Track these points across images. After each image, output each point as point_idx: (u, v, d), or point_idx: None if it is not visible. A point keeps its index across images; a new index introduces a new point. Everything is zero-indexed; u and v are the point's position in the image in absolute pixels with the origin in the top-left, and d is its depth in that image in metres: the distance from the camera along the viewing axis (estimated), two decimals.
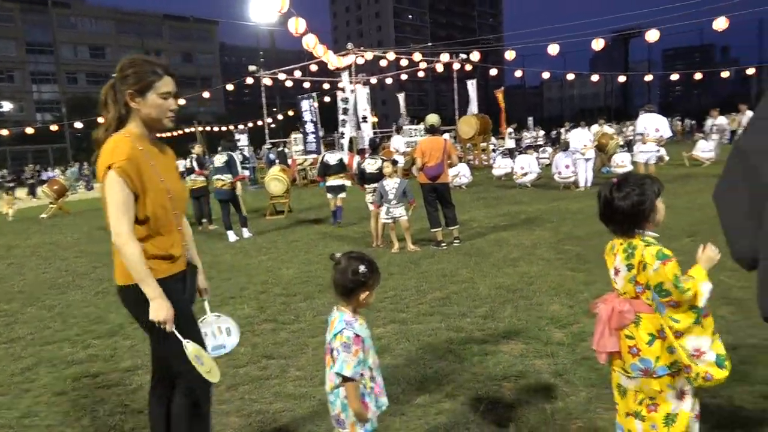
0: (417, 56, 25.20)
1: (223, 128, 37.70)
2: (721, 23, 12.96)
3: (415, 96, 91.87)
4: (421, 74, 31.12)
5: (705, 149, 16.49)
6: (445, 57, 25.33)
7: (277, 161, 19.99)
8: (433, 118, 7.70)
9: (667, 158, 15.35)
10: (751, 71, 30.57)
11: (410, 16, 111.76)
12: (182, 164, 11.39)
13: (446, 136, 8.94)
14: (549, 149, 20.93)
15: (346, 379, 1.99)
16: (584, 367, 3.36)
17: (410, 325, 4.40)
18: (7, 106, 60.30)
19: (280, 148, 23.73)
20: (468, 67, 26.02)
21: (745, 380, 2.96)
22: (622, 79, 39.23)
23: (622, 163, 13.43)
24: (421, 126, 16.16)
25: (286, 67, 27.04)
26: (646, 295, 2.01)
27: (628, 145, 17.60)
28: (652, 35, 16.07)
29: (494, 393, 3.15)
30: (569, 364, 3.44)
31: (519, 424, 2.80)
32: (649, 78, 33.81)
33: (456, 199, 8.29)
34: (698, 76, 30.13)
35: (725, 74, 32.47)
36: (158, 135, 2.44)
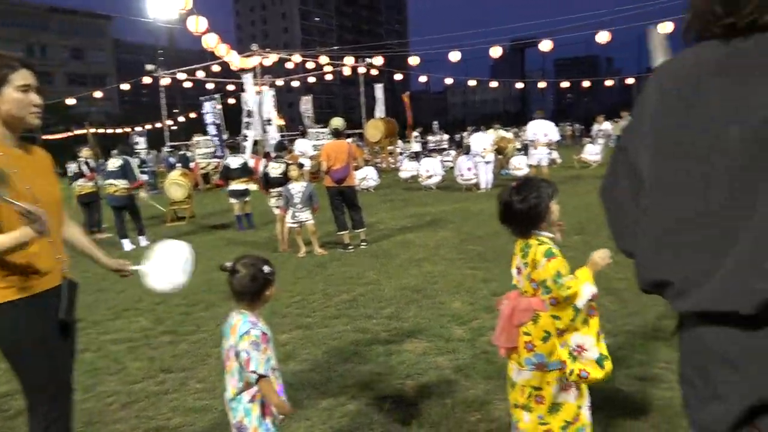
0: (323, 59, 25.17)
1: (119, 130, 35.55)
2: (603, 37, 14.12)
3: (324, 99, 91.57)
4: (329, 77, 31.12)
5: (592, 152, 17.81)
6: (351, 61, 25.49)
7: (178, 165, 19.15)
8: (337, 122, 7.73)
9: (559, 161, 16.40)
10: (631, 81, 33.44)
11: (317, 19, 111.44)
12: (72, 168, 10.64)
13: (350, 139, 9.00)
14: (453, 152, 21.65)
15: (260, 379, 1.97)
16: (483, 360, 3.51)
17: (316, 330, 4.38)
18: None
19: (181, 152, 22.76)
20: (375, 72, 26.37)
21: (622, 364, 3.23)
22: (519, 85, 41.46)
23: (519, 165, 14.18)
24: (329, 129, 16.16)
25: (187, 67, 25.99)
26: (540, 291, 2.13)
27: (525, 149, 18.64)
28: (545, 45, 17.16)
29: (398, 392, 3.21)
30: (469, 358, 3.58)
31: (421, 420, 2.88)
32: (543, 85, 35.93)
33: (363, 201, 8.38)
34: (586, 84, 32.54)
35: (609, 83, 35.22)
36: (45, 137, 2.20)
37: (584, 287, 2.06)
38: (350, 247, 7.41)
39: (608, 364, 2.12)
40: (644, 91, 1.21)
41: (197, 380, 3.60)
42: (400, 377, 3.39)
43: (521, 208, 2.13)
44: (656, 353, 3.40)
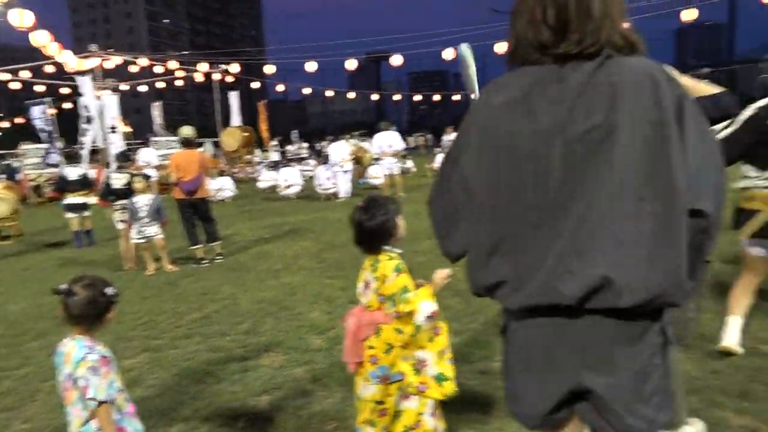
0: (174, 64, 23.84)
1: None
2: (449, 53, 15.10)
3: (175, 105, 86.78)
4: (180, 83, 29.52)
5: None
6: (205, 66, 24.45)
7: (1, 177, 16.92)
8: (187, 131, 7.36)
9: (414, 169, 17.20)
10: (473, 96, 36.10)
11: (166, 21, 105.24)
12: None
13: (202, 148, 8.64)
14: (312, 162, 21.68)
15: (99, 405, 1.83)
16: (339, 368, 3.54)
17: (165, 352, 4.12)
18: None
19: (6, 162, 20.14)
20: (230, 78, 25.55)
21: (466, 360, 3.47)
22: (375, 97, 42.78)
23: (376, 174, 14.59)
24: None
25: (11, 67, 23.09)
26: (386, 305, 2.20)
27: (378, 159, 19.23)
28: (396, 60, 17.92)
29: (253, 409, 3.14)
30: (326, 368, 3.60)
31: None
32: (397, 97, 37.47)
33: (219, 213, 8.07)
34: (437, 97, 34.54)
35: (456, 97, 37.67)
36: None
37: (422, 304, 2.14)
38: (204, 262, 7.09)
39: (448, 385, 2.21)
40: (474, 107, 1.31)
41: (23, 420, 3.21)
42: (256, 393, 3.32)
43: (371, 226, 2.20)
44: (497, 348, 3.69)
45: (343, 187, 13.51)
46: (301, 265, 6.65)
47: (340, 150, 13.88)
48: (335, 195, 13.55)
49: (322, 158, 15.31)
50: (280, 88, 31.92)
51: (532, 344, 1.27)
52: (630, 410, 1.19)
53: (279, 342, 4.13)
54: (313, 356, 3.81)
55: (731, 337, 3.25)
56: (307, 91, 32.30)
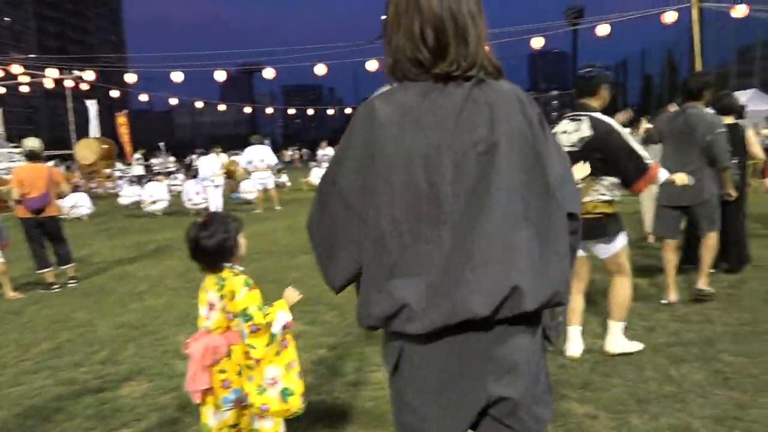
0: (17, 68, 21.48)
1: None
2: (321, 69, 15.23)
3: (21, 113, 78.22)
4: (25, 89, 26.61)
5: (319, 176, 18.95)
6: (54, 72, 22.29)
7: None
8: (32, 143, 6.66)
9: (289, 184, 17.05)
10: (349, 110, 36.85)
11: (8, 19, 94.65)
12: None
13: (51, 162, 7.88)
14: (180, 176, 20.63)
15: None
16: None
17: (6, 390, 3.68)
18: None
19: None
20: (85, 86, 23.54)
21: (338, 374, 3.51)
22: (248, 109, 41.83)
23: (249, 189, 14.24)
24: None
25: None
26: (235, 322, 2.13)
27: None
28: (268, 73, 17.71)
29: None
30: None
31: None
32: (270, 110, 36.94)
33: (74, 232, 7.39)
34: (311, 111, 34.63)
35: (331, 111, 38.06)
36: None
37: (278, 314, 2.12)
38: (55, 287, 6.43)
39: (294, 401, 2.14)
40: (354, 125, 1.25)
41: None
42: (115, 428, 3.07)
43: (209, 243, 2.14)
44: (370, 358, 3.76)
45: (214, 202, 12.99)
46: (167, 286, 6.29)
47: (211, 163, 13.36)
48: (205, 210, 12.99)
49: (192, 172, 14.62)
50: (144, 97, 30.03)
51: (434, 365, 1.20)
52: (529, 412, 1.23)
53: (141, 369, 3.87)
54: (180, 382, 3.60)
55: (574, 347, 3.58)
56: (173, 101, 30.68)
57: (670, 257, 4.64)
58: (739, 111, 5.64)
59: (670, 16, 13.54)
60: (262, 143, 13.21)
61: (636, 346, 3.61)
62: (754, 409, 2.82)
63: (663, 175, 3.46)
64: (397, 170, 1.18)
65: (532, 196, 1.19)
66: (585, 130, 3.37)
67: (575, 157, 3.31)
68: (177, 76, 17.85)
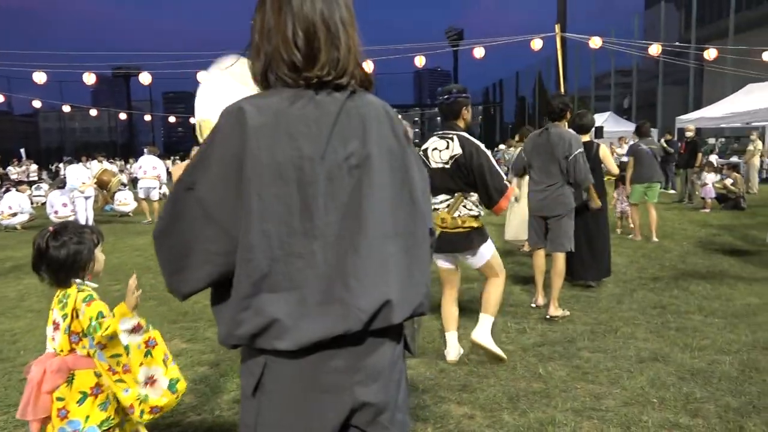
0: None
1: None
2: (204, 76, 14.71)
3: None
4: None
5: None
6: None
7: None
8: None
9: (168, 193, 16.18)
10: None
11: None
12: None
13: None
14: (45, 186, 18.84)
15: None
16: None
17: None
18: None
19: None
20: None
21: (223, 391, 3.40)
22: (123, 116, 39.31)
23: (125, 200, 13.37)
24: None
25: None
26: (82, 344, 1.96)
27: (135, 182, 17.70)
28: (145, 78, 16.77)
29: None
30: None
31: None
32: (148, 118, 34.97)
33: None
34: (193, 120, 33.11)
35: None
36: None
37: (120, 323, 1.95)
38: None
39: (180, 385, 2.06)
40: (220, 129, 1.17)
41: None
42: None
43: (58, 255, 1.97)
44: None
45: (83, 215, 11.99)
46: (27, 307, 5.70)
47: (80, 173, 12.36)
48: (83, 221, 11.97)
49: (58, 182, 13.41)
50: None
51: (301, 380, 1.17)
52: (392, 420, 1.24)
53: None
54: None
55: (452, 351, 3.77)
56: (37, 104, 27.98)
57: (539, 263, 4.97)
58: (593, 129, 6.13)
59: (537, 44, 14.80)
60: (156, 155, 12.75)
61: (499, 351, 3.71)
62: (608, 399, 3.13)
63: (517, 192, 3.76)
64: (269, 182, 1.13)
65: (401, 211, 1.22)
66: (455, 148, 3.57)
67: (447, 173, 3.52)
68: (39, 77, 16.32)
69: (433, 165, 3.63)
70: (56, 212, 12.02)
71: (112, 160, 26.98)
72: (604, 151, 5.90)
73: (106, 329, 1.91)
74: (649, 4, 52.32)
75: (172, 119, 36.94)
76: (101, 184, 13.72)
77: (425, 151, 3.71)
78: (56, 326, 2.01)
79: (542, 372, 3.55)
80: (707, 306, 4.82)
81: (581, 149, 4.68)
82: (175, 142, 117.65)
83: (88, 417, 1.93)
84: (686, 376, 3.39)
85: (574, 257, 5.14)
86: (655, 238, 8.08)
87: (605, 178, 6.28)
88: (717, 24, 33.98)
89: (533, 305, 5.01)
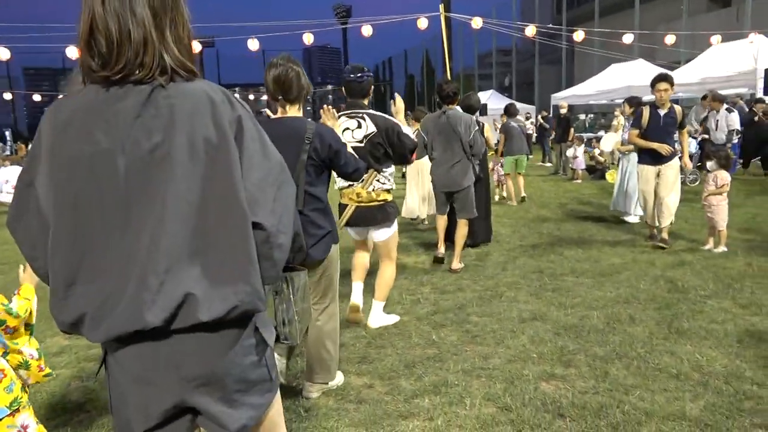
0: None
1: None
2: (72, 52, 13.45)
3: None
4: None
5: None
6: None
7: None
8: None
9: None
10: None
11: None
12: None
13: None
14: None
15: None
16: None
17: None
18: None
19: None
20: None
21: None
22: None
23: None
24: None
25: None
26: None
27: None
28: (3, 53, 15.05)
29: None
30: None
31: None
32: (9, 96, 31.44)
33: None
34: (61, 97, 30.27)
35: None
36: None
37: (34, 303, 2.04)
38: None
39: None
40: (40, 126, 1.22)
41: None
42: None
43: None
44: None
45: None
46: None
47: None
48: None
49: None
50: None
51: (127, 372, 1.22)
52: (237, 407, 1.25)
53: None
54: None
55: (355, 297, 4.17)
56: None
57: (441, 224, 5.78)
58: (480, 108, 6.77)
59: (423, 23, 15.16)
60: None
61: (394, 318, 4.13)
62: (495, 359, 3.40)
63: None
64: (71, 176, 1.16)
65: (212, 205, 1.17)
66: (369, 126, 3.68)
67: (360, 152, 3.56)
68: None
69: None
70: None
71: None
72: (487, 131, 6.73)
73: (25, 311, 1.96)
74: None
75: (36, 98, 33.42)
76: None
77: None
78: None
79: (435, 338, 3.76)
80: (578, 268, 5.34)
81: (477, 127, 5.42)
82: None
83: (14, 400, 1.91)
84: (561, 332, 3.76)
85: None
86: (523, 195, 9.74)
87: (489, 153, 6.88)
88: (584, 7, 36.71)
89: (437, 255, 5.74)
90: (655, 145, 5.81)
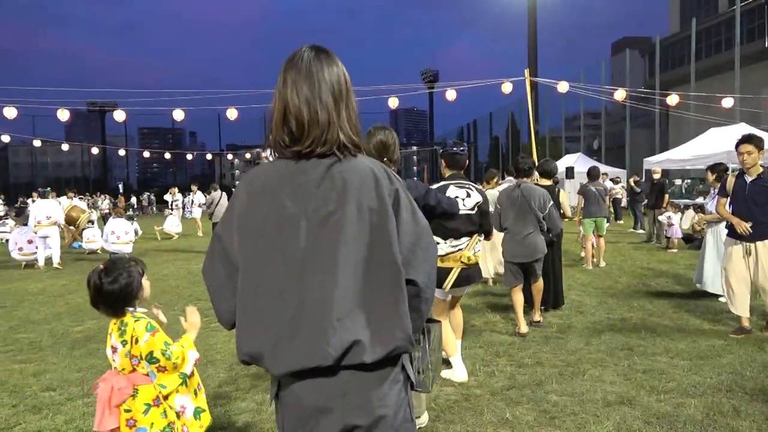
0: None
1: None
2: (179, 114, 14.70)
3: None
4: None
5: (174, 224, 17.98)
6: None
7: None
8: None
9: (140, 232, 15.93)
10: (210, 156, 35.79)
11: None
12: None
13: None
14: (11, 221, 18.39)
15: None
16: None
17: None
18: None
19: None
20: None
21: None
22: (95, 150, 38.96)
23: (93, 237, 13.10)
24: None
25: None
26: (141, 365, 2.23)
27: (105, 218, 17.37)
28: (119, 115, 16.66)
29: None
30: None
31: None
32: (122, 152, 34.59)
33: None
34: (168, 155, 33.07)
35: (190, 156, 36.55)
36: None
37: (189, 353, 2.28)
38: None
39: (205, 417, 2.35)
40: (235, 192, 1.50)
41: None
42: None
43: (112, 289, 2.22)
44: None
45: (41, 255, 11.55)
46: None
47: (48, 208, 12.07)
48: (42, 262, 11.62)
49: (23, 218, 13.09)
50: None
51: (301, 401, 1.40)
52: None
53: None
54: None
55: (459, 373, 4.19)
56: (6, 138, 27.47)
57: (518, 298, 5.58)
58: (556, 173, 6.87)
59: (507, 87, 15.23)
60: (47, 196, 12.43)
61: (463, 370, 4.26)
62: None
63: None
64: (262, 234, 1.39)
65: (376, 265, 1.38)
66: (476, 196, 4.05)
67: (471, 219, 4.01)
68: (10, 112, 16.11)
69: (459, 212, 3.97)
70: (20, 249, 11.71)
71: (81, 197, 26.56)
72: (563, 196, 6.80)
73: (177, 358, 2.21)
74: (616, 51, 54.56)
75: (146, 154, 36.58)
76: (70, 221, 13.44)
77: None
78: (114, 349, 2.26)
79: (509, 416, 3.51)
80: (674, 347, 4.86)
81: (552, 202, 5.58)
82: (150, 178, 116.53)
83: (152, 424, 2.21)
84: (652, 420, 3.39)
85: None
86: (602, 264, 9.71)
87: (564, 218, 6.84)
88: (679, 70, 35.54)
89: (517, 332, 5.46)
90: (734, 220, 5.13)
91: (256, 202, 1.42)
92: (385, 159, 3.02)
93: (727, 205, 5.38)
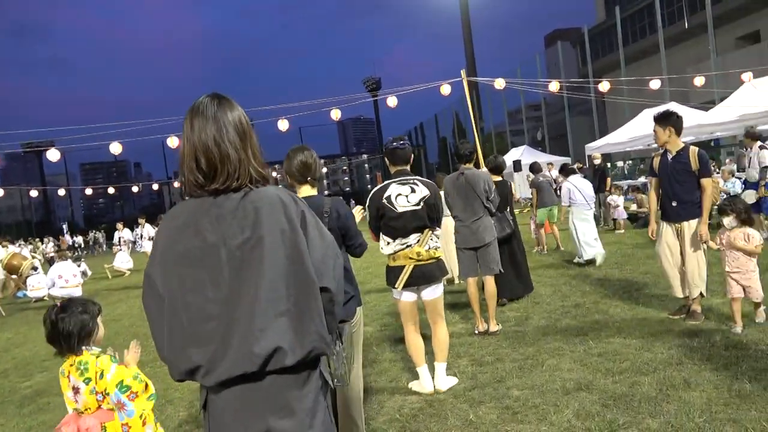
0: None
1: None
2: (116, 148, 14.21)
3: None
4: None
5: (124, 260, 17.43)
6: None
7: None
8: None
9: (89, 273, 15.35)
10: (155, 186, 34.97)
11: None
12: None
13: None
14: None
15: None
16: None
17: None
18: None
19: None
20: None
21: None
22: (34, 193, 37.43)
23: (38, 285, 12.53)
24: None
25: None
26: (106, 401, 2.30)
27: (51, 262, 16.65)
28: (53, 155, 16.03)
29: None
30: None
31: None
32: (62, 192, 33.25)
33: None
34: (111, 190, 32.06)
35: (135, 188, 35.44)
36: None
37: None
38: None
39: None
40: (158, 229, 1.65)
41: None
42: None
43: (68, 327, 2.31)
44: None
45: None
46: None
47: None
48: None
49: None
50: None
51: (228, 407, 1.53)
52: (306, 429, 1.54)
53: None
54: None
55: (427, 385, 4.09)
56: None
57: (473, 291, 5.51)
58: (504, 167, 6.93)
59: (446, 89, 15.45)
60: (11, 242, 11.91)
61: (454, 380, 4.24)
62: None
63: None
64: (187, 263, 1.53)
65: (292, 279, 1.53)
66: (422, 190, 3.89)
67: (418, 214, 3.85)
68: None
69: (400, 209, 3.86)
70: None
71: (22, 243, 25.47)
72: (514, 189, 6.97)
73: (144, 377, 2.36)
74: (549, 43, 56.26)
75: (89, 191, 35.36)
76: (11, 270, 12.82)
77: (388, 198, 3.88)
78: (76, 390, 2.32)
79: (473, 418, 3.54)
80: (626, 327, 5.02)
81: (494, 185, 5.55)
82: (96, 214, 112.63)
83: None
84: (609, 403, 3.48)
85: (502, 278, 5.89)
86: (561, 248, 10.46)
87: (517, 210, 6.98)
88: (609, 57, 36.93)
89: (476, 332, 5.46)
90: (651, 217, 5.39)
91: (179, 235, 1.56)
92: (309, 178, 3.02)
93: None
